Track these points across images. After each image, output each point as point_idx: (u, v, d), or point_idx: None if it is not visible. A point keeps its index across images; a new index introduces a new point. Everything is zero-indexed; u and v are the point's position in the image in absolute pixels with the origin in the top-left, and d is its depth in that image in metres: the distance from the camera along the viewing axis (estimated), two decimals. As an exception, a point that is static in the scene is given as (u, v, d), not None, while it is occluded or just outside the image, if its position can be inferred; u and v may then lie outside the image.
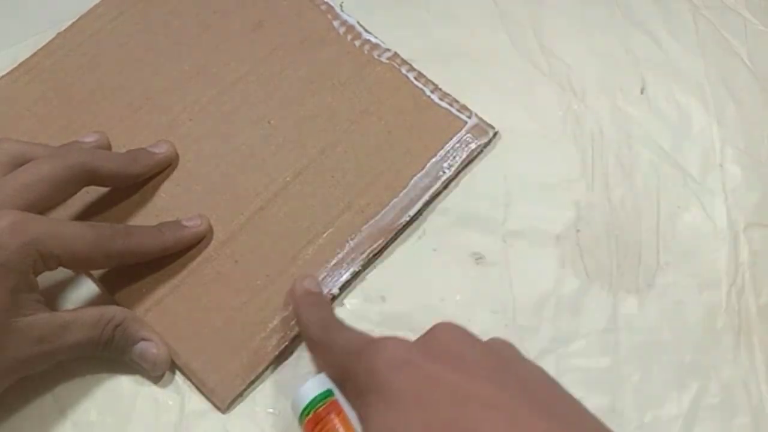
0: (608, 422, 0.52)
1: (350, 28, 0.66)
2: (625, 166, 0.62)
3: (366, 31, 0.66)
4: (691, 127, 0.64)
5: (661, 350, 0.55)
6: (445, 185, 0.60)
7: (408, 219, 0.58)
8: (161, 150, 0.59)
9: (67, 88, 0.63)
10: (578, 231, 0.59)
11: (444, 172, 0.60)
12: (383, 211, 0.59)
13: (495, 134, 0.62)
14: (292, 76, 0.64)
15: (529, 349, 0.54)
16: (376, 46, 0.66)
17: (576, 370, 0.54)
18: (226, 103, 0.63)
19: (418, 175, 0.60)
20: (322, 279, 0.56)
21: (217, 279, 0.56)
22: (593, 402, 0.52)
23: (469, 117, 0.62)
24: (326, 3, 0.67)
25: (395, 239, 0.58)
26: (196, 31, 0.66)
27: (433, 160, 0.61)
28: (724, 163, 0.63)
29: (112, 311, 0.52)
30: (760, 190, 0.62)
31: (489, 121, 0.63)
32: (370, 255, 0.57)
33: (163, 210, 0.58)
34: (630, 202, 0.61)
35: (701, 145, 0.64)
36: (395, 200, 0.59)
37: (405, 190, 0.59)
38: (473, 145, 0.61)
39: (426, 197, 0.59)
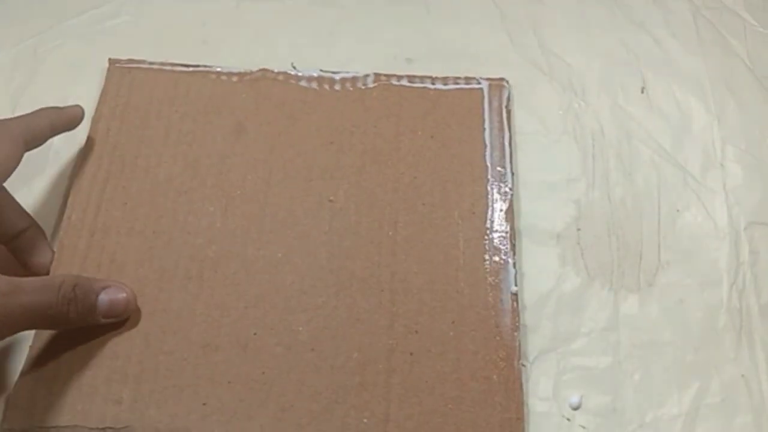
0: (609, 421, 0.52)
1: (321, 79, 0.65)
2: (626, 165, 0.62)
3: (333, 72, 0.65)
4: (692, 127, 0.64)
5: (662, 349, 0.55)
6: (512, 145, 0.62)
7: (510, 192, 0.59)
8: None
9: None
10: (579, 230, 0.59)
11: (505, 132, 0.62)
12: (489, 201, 0.59)
13: (507, 82, 0.65)
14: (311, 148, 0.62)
15: (530, 347, 0.54)
16: (353, 78, 0.65)
17: (577, 369, 0.54)
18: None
19: (487, 152, 0.61)
20: (497, 280, 0.55)
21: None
22: (594, 401, 0.52)
23: (479, 83, 0.64)
24: (284, 72, 0.65)
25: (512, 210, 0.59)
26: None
27: (486, 132, 0.62)
28: (724, 162, 0.62)
29: (59, 276, 0.49)
30: (760, 190, 0.61)
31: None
32: (513, 241, 0.57)
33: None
34: (630, 200, 0.60)
35: (702, 144, 0.63)
36: (489, 185, 0.59)
37: (489, 172, 0.60)
38: (504, 102, 0.63)
39: (509, 163, 0.60)
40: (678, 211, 0.60)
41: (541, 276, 0.57)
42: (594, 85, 0.66)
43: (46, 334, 0.52)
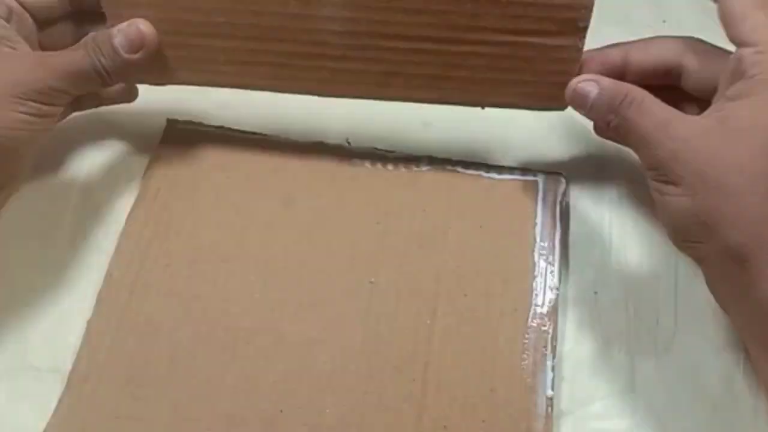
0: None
1: (375, 156, 0.64)
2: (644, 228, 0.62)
3: (387, 151, 0.64)
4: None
5: (678, 413, 0.55)
6: (563, 243, 0.60)
7: (557, 291, 0.57)
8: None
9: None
10: (596, 293, 0.59)
11: (557, 229, 0.60)
12: (534, 299, 0.57)
13: (565, 176, 0.62)
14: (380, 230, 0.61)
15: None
16: (407, 159, 0.64)
17: (594, 433, 0.54)
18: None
19: (536, 248, 0.59)
20: (534, 382, 0.54)
21: None
22: (611, 465, 0.53)
23: (535, 175, 0.63)
24: (338, 146, 0.65)
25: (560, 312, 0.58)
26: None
27: (537, 228, 0.60)
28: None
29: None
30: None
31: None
32: (554, 343, 0.56)
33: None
34: (648, 264, 0.61)
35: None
36: (535, 283, 0.58)
37: (537, 269, 0.58)
38: (559, 197, 0.61)
39: (557, 261, 0.59)
40: (695, 275, 0.60)
41: (558, 339, 0.57)
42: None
43: (74, 393, 0.53)
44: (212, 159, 0.64)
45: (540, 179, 0.62)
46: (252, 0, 0.55)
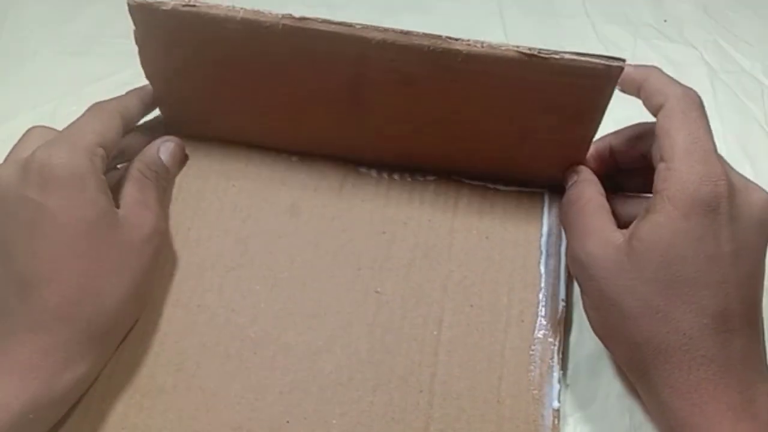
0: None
1: (381, 165, 0.64)
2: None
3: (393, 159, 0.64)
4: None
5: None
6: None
7: (563, 303, 0.57)
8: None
9: None
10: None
11: (563, 240, 0.60)
12: (540, 310, 0.57)
13: None
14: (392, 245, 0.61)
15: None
16: (412, 170, 0.64)
17: (593, 434, 0.53)
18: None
19: (542, 259, 0.59)
20: (540, 394, 0.54)
21: None
22: (611, 466, 0.52)
23: (542, 187, 0.62)
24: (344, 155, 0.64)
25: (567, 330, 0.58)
26: None
27: (543, 239, 0.60)
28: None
29: (134, 169, 0.58)
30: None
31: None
32: (560, 354, 0.55)
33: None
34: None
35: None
36: (541, 294, 0.58)
37: (543, 280, 0.58)
38: None
39: (564, 272, 0.59)
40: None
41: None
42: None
43: (80, 404, 0.52)
44: (218, 168, 0.63)
45: (545, 191, 0.62)
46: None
